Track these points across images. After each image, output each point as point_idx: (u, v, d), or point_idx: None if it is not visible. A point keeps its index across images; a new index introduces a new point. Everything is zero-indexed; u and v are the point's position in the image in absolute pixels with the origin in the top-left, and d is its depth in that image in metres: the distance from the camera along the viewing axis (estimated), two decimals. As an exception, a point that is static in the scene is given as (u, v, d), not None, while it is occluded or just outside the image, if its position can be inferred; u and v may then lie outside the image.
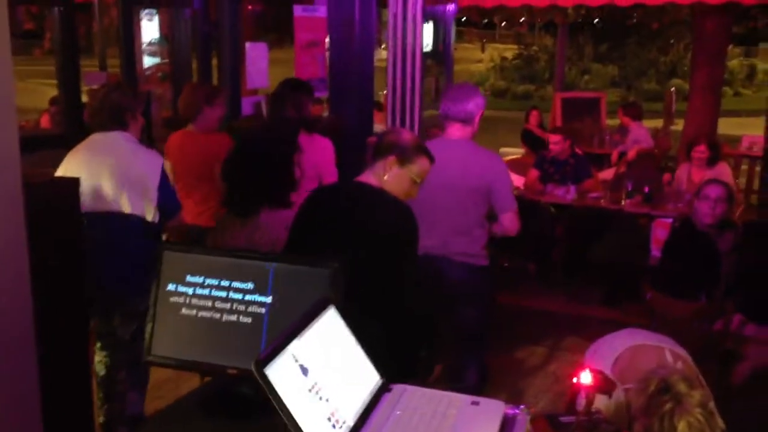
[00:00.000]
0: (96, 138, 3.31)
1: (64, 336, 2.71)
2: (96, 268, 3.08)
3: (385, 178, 2.63)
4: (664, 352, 1.73)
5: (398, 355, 2.14)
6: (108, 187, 3.17)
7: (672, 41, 21.95)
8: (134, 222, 3.22)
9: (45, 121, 6.82)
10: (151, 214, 3.23)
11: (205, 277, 1.83)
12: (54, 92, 6.16)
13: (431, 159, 2.71)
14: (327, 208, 2.65)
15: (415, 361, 2.62)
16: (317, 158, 3.72)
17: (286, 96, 3.83)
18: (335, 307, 1.57)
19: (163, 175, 3.28)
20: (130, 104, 3.31)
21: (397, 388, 1.58)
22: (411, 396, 1.55)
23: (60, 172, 3.26)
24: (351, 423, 1.41)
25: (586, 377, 1.66)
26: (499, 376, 4.27)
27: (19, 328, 2.19)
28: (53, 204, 2.65)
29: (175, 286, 1.86)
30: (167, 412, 1.85)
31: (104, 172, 3.18)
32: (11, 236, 2.14)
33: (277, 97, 3.90)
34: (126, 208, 3.19)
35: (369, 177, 2.66)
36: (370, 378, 1.54)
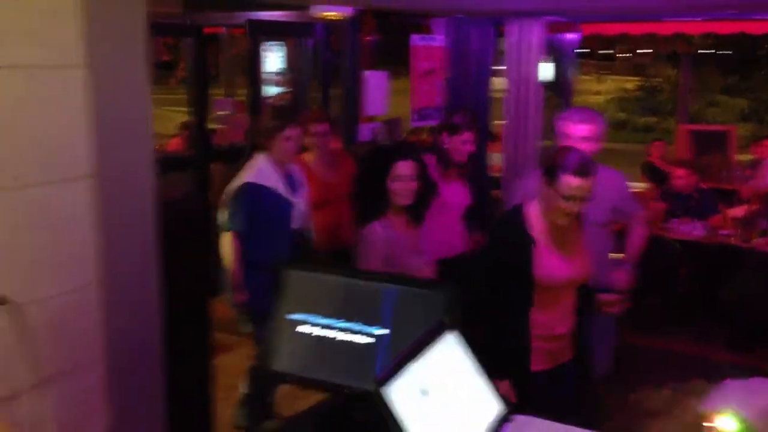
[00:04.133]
0: None
1: (189, 339, 2.85)
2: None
3: (543, 202, 2.61)
4: None
5: None
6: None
7: (810, 72, 20.63)
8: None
9: (173, 145, 7.21)
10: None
11: (324, 296, 1.85)
12: (181, 118, 6.52)
13: (577, 174, 2.52)
14: None
15: None
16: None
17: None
18: (454, 331, 1.53)
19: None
20: None
21: (519, 418, 1.52)
22: (533, 428, 1.49)
23: None
24: (468, 451, 1.37)
25: (728, 424, 1.53)
26: (619, 417, 4.08)
27: (148, 328, 2.32)
28: (183, 217, 2.79)
29: (293, 304, 1.88)
30: (282, 429, 1.87)
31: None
32: (145, 246, 2.28)
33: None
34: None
35: (530, 200, 2.68)
36: (491, 406, 1.49)
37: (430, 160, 3.67)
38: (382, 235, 2.85)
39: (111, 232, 2.19)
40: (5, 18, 1.86)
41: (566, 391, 2.75)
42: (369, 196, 2.91)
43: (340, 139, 5.05)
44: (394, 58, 6.38)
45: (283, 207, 3.52)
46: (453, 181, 3.95)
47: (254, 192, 3.42)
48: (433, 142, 4.21)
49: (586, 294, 2.77)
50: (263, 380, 3.61)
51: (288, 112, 3.92)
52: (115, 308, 2.20)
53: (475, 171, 4.57)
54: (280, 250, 3.46)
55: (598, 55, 23.61)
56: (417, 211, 2.97)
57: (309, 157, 4.02)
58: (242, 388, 3.69)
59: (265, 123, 3.63)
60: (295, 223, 3.58)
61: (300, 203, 3.60)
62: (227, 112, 6.85)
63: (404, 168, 2.86)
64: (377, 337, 1.76)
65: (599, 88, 26.78)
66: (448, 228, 3.81)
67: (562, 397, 2.70)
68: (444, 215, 3.68)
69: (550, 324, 2.66)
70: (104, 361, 2.17)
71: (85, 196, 2.12)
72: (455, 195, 3.93)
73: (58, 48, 2.03)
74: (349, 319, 1.80)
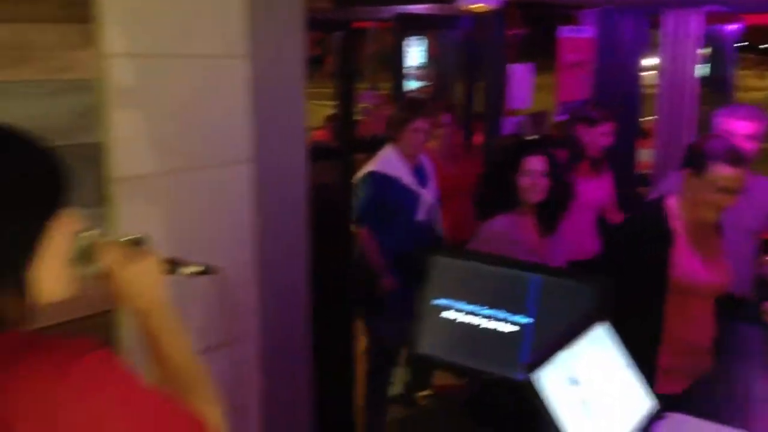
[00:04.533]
0: None
1: (333, 320, 2.96)
2: None
3: (687, 194, 2.37)
4: None
5: None
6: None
7: None
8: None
9: (318, 136, 7.46)
10: None
11: (469, 283, 1.87)
12: (324, 111, 6.72)
13: (730, 162, 2.28)
14: None
15: None
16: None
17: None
18: (604, 324, 1.50)
19: None
20: None
21: (672, 416, 1.47)
22: (685, 426, 1.44)
23: None
24: (618, 445, 1.35)
25: None
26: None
27: (296, 308, 2.44)
28: (329, 203, 2.90)
29: (439, 289, 1.91)
30: (425, 409, 1.91)
31: None
32: (297, 228, 2.39)
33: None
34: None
35: (672, 194, 2.43)
36: (641, 402, 1.45)
37: (561, 154, 3.52)
38: (501, 232, 2.73)
39: (266, 214, 2.31)
40: (184, 12, 2.01)
41: (706, 408, 2.54)
42: (495, 191, 2.83)
43: (479, 133, 5.04)
44: (540, 50, 6.26)
45: (409, 198, 3.55)
46: (586, 176, 3.75)
47: (378, 181, 3.50)
48: (566, 135, 4.03)
49: (731, 302, 2.57)
50: (383, 370, 3.67)
51: (418, 103, 3.97)
52: (267, 287, 2.32)
53: (622, 168, 4.40)
54: (405, 240, 3.50)
55: (759, 49, 22.00)
56: (549, 214, 2.82)
57: (432, 147, 4.02)
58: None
59: (394, 114, 3.69)
60: (422, 215, 3.59)
61: (428, 195, 3.62)
62: (371, 105, 7.01)
63: (534, 163, 2.76)
64: (521, 325, 1.76)
65: (760, 85, 24.98)
66: (578, 228, 3.57)
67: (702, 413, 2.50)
68: (574, 214, 3.38)
69: (686, 336, 2.42)
70: (257, 336, 2.30)
71: (244, 179, 2.26)
72: (588, 192, 3.70)
73: (225, 39, 2.16)
74: (493, 307, 1.80)
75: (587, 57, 5.40)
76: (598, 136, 3.79)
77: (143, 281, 1.11)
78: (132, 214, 1.92)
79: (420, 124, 3.53)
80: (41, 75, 1.71)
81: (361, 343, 3.63)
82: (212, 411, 1.10)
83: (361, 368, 3.61)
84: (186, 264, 1.22)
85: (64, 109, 1.83)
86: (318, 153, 5.12)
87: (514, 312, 1.76)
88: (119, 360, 0.93)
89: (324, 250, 2.73)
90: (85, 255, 1.06)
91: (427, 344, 1.89)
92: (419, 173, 3.63)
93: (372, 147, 5.75)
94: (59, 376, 0.86)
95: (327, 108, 6.71)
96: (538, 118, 5.45)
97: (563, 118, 5.43)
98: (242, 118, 2.23)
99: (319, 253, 2.59)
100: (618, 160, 4.55)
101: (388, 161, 3.57)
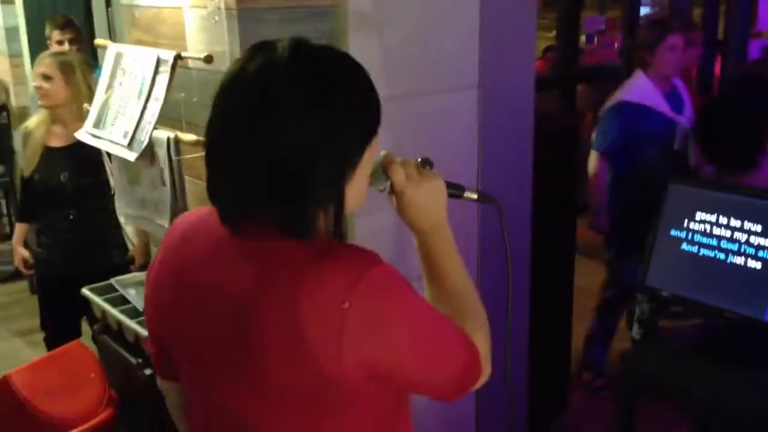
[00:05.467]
0: None
1: (556, 249, 2.90)
2: None
3: None
4: None
5: None
6: None
7: None
8: None
9: (537, 66, 7.23)
10: None
11: (713, 215, 1.73)
12: (541, 43, 6.51)
13: None
14: None
15: None
16: None
17: None
18: None
19: None
20: None
21: None
22: None
23: None
24: None
25: None
26: None
27: (518, 232, 2.43)
28: (548, 136, 2.82)
29: (678, 220, 1.80)
30: (654, 344, 1.84)
31: None
32: (522, 155, 2.37)
33: None
34: None
35: None
36: None
37: None
38: None
39: (492, 140, 2.31)
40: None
41: None
42: None
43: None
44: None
45: (666, 126, 3.28)
46: None
47: (629, 111, 3.25)
48: None
49: None
50: (616, 307, 3.53)
51: (666, 19, 3.59)
52: (489, 212, 2.32)
53: None
54: (660, 173, 3.24)
55: None
56: None
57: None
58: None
59: (643, 35, 3.40)
60: (678, 144, 3.31)
61: (684, 122, 3.32)
62: (597, 31, 6.65)
63: None
64: (773, 262, 1.61)
65: None
66: None
67: None
68: None
69: None
70: (476, 260, 2.33)
71: (472, 104, 2.26)
72: None
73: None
74: (740, 241, 1.66)
75: None
76: None
77: (429, 201, 1.12)
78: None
79: (674, 39, 3.20)
80: (288, 2, 1.81)
81: (601, 276, 3.55)
82: (482, 338, 1.10)
83: (593, 302, 3.53)
84: (466, 189, 1.20)
85: (308, 35, 1.91)
86: (537, 83, 4.99)
87: (764, 246, 1.61)
88: (402, 276, 0.97)
89: (545, 182, 2.67)
90: (380, 171, 1.09)
91: (661, 278, 1.80)
92: (673, 99, 3.33)
93: (597, 76, 5.47)
94: (348, 286, 0.92)
95: (544, 40, 6.49)
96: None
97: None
98: (471, 43, 2.22)
99: (542, 183, 2.55)
100: None
101: (640, 89, 3.27)
